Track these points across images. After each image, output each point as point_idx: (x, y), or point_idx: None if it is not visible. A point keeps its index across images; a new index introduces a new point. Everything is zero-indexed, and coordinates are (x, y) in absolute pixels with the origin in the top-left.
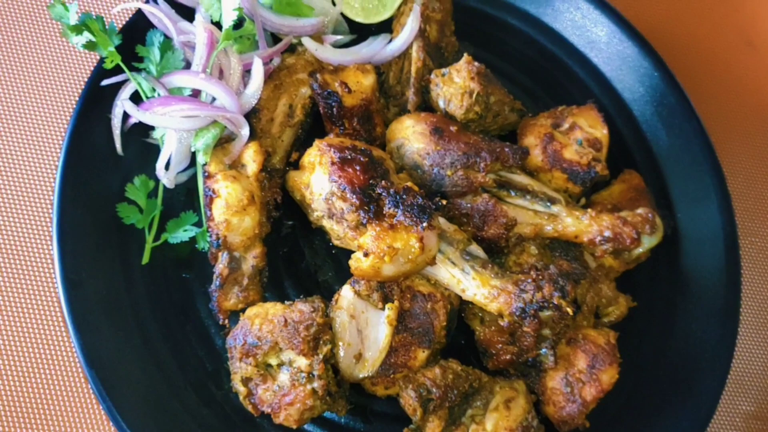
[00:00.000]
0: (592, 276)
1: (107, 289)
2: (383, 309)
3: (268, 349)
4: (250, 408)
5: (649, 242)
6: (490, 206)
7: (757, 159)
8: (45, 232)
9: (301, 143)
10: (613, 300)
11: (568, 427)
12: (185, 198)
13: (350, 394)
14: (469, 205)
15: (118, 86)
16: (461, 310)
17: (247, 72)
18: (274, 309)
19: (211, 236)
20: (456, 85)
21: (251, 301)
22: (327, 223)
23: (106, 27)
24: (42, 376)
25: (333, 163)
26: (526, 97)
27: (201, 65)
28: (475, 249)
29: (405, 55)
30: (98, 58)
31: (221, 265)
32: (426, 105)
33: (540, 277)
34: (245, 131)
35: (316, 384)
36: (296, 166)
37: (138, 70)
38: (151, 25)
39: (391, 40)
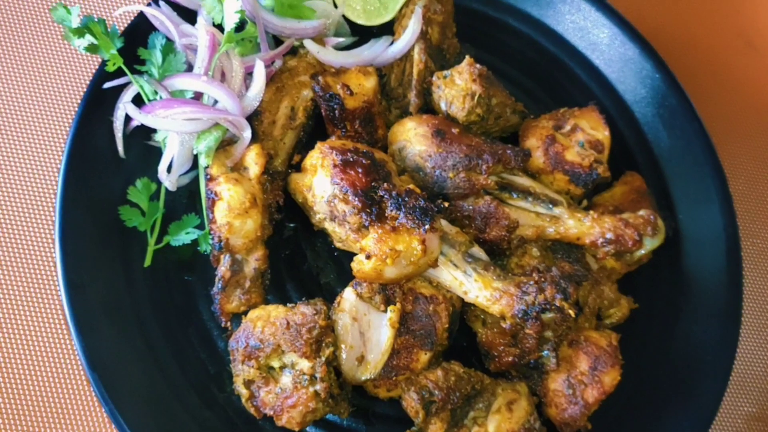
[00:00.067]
0: (594, 278)
1: (109, 292)
2: (385, 311)
3: (270, 351)
4: (252, 410)
5: (650, 244)
6: (492, 208)
7: (758, 160)
8: (47, 235)
9: (303, 146)
10: (614, 302)
11: (570, 428)
12: (187, 201)
13: (352, 397)
14: (471, 207)
15: (120, 89)
16: (463, 312)
17: (249, 74)
18: (276, 311)
19: (213, 239)
20: (458, 87)
21: (253, 303)
22: (329, 226)
23: (108, 30)
24: (44, 379)
25: (335, 166)
26: (527, 99)
27: (203, 68)
28: (477, 251)
29: (407, 57)
30: (100, 60)
31: (223, 268)
32: (428, 107)
33: (542, 279)
34: (247, 134)
35: (318, 386)
36: (298, 168)
37: (140, 73)
38: (153, 28)
39: (392, 43)
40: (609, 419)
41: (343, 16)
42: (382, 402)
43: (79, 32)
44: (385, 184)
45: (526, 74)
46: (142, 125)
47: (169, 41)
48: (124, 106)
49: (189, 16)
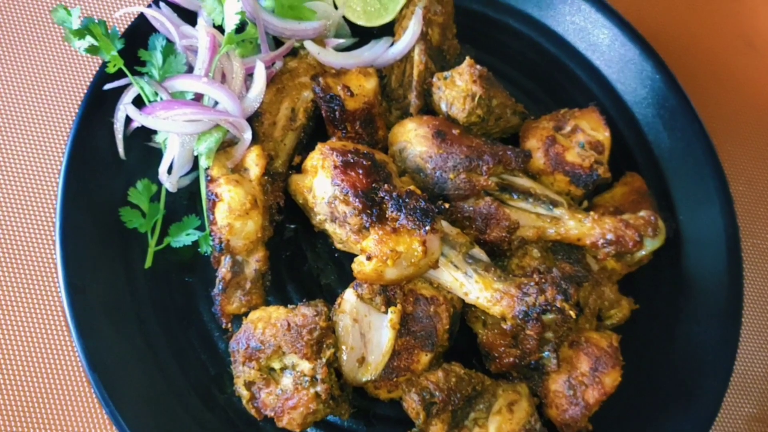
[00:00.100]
0: (595, 279)
1: (110, 293)
2: (386, 312)
3: (271, 352)
4: (253, 412)
5: (651, 245)
6: (492, 209)
7: (759, 161)
8: (48, 237)
9: (304, 147)
10: (615, 303)
11: (571, 429)
12: (188, 202)
13: (353, 398)
14: (471, 208)
15: (121, 90)
16: (464, 313)
17: (249, 76)
18: (277, 313)
19: (213, 240)
20: (458, 89)
21: (254, 304)
22: (330, 227)
23: (109, 31)
24: (45, 381)
25: (335, 167)
26: (528, 99)
27: (203, 69)
28: (478, 252)
29: (407, 58)
30: (101, 62)
31: (224, 269)
32: (428, 108)
33: (543, 280)
34: (248, 135)
35: (319, 388)
36: (299, 169)
37: (140, 74)
38: (154, 29)
39: (393, 44)
40: (610, 420)
41: (344, 18)
42: (382, 403)
43: (80, 34)
44: (386, 186)
45: (527, 75)
46: (143, 126)
47: (170, 42)
48: (124, 108)
49: (189, 17)
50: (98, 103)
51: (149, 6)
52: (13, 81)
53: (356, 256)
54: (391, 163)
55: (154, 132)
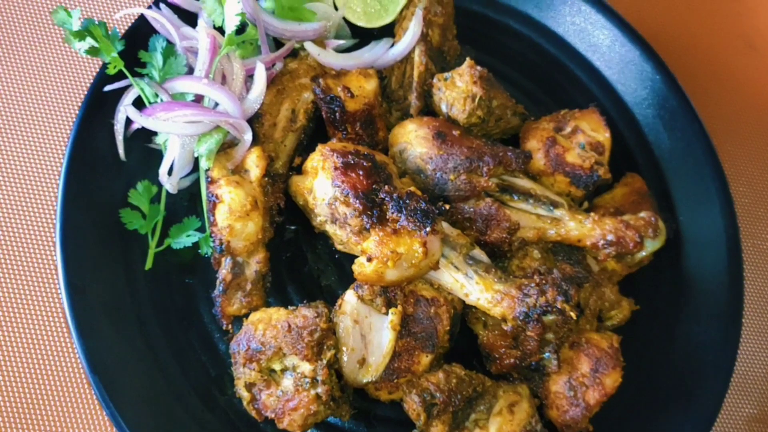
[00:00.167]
0: (595, 280)
1: (110, 295)
2: (386, 314)
3: (271, 354)
4: (253, 413)
5: (652, 246)
6: (493, 210)
7: (759, 161)
8: (48, 238)
9: (304, 148)
10: (615, 303)
11: (572, 430)
12: (188, 203)
13: (354, 399)
14: (472, 209)
15: (121, 92)
16: (464, 314)
17: (249, 77)
18: (277, 314)
19: (214, 241)
20: (458, 90)
21: (254, 306)
22: (330, 228)
23: (109, 32)
24: (45, 381)
25: (336, 168)
26: (528, 100)
27: (204, 70)
28: (478, 253)
29: (407, 59)
30: (101, 63)
31: (224, 271)
32: (428, 109)
33: (543, 281)
34: (248, 136)
35: (319, 389)
36: (299, 171)
37: (141, 76)
38: (154, 31)
39: (393, 45)
40: (610, 421)
41: (344, 19)
42: (383, 404)
43: (80, 35)
44: (386, 187)
45: (527, 76)
46: (143, 128)
47: (170, 44)
48: (124, 109)
49: (190, 18)
50: (98, 105)
51: (149, 7)
52: (14, 82)
53: (357, 257)
54: (392, 164)
55: (155, 133)
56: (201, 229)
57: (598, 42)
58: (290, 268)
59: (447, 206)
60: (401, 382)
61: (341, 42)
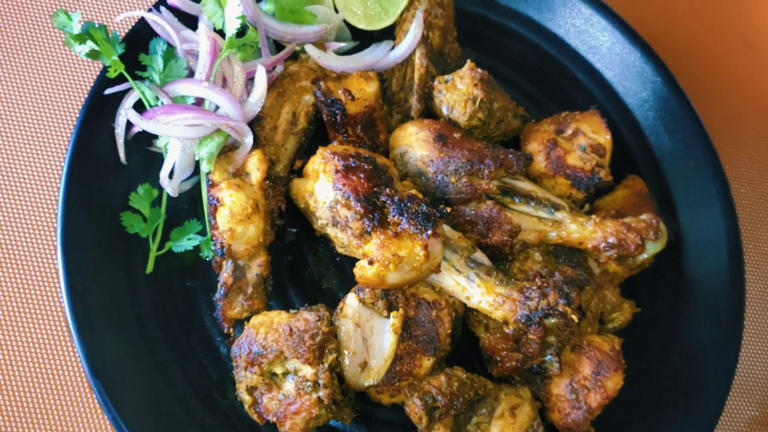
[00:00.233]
0: (597, 282)
1: (112, 298)
2: (388, 317)
3: (273, 358)
4: (255, 417)
5: (653, 248)
6: (494, 213)
7: (760, 163)
8: (49, 241)
9: (305, 151)
10: (617, 306)
11: None
12: (189, 206)
13: (355, 403)
14: (473, 212)
15: (122, 95)
16: (466, 317)
17: (250, 80)
18: (279, 318)
19: (215, 245)
20: (459, 92)
21: (256, 309)
22: (331, 231)
23: (110, 36)
24: (46, 385)
25: (337, 171)
26: (529, 103)
27: (204, 74)
28: (480, 256)
29: (408, 61)
30: (101, 67)
31: (225, 274)
32: (429, 112)
33: (545, 284)
34: (249, 139)
35: (321, 393)
36: (300, 174)
37: (141, 79)
38: (155, 34)
39: (393, 47)
40: (612, 424)
41: (344, 21)
42: (385, 408)
43: (81, 38)
44: (387, 190)
45: (528, 78)
46: (144, 131)
47: (171, 47)
48: (125, 112)
49: (190, 21)
50: (99, 108)
51: (150, 10)
52: (14, 86)
53: (358, 260)
54: (393, 167)
55: (155, 137)
56: (202, 233)
57: (599, 44)
58: (291, 271)
59: (448, 209)
60: (403, 385)
61: (342, 44)
